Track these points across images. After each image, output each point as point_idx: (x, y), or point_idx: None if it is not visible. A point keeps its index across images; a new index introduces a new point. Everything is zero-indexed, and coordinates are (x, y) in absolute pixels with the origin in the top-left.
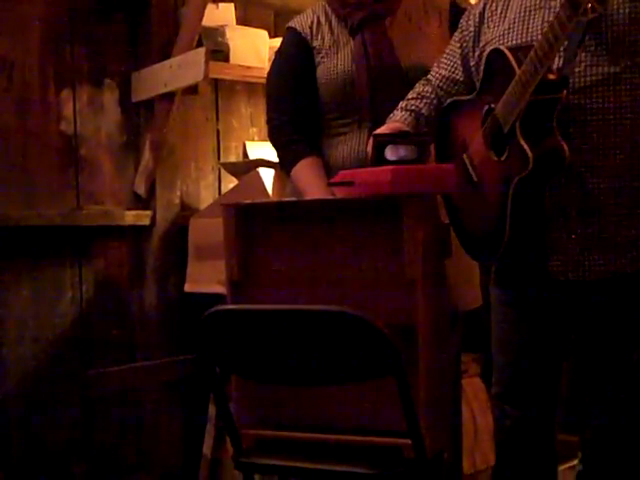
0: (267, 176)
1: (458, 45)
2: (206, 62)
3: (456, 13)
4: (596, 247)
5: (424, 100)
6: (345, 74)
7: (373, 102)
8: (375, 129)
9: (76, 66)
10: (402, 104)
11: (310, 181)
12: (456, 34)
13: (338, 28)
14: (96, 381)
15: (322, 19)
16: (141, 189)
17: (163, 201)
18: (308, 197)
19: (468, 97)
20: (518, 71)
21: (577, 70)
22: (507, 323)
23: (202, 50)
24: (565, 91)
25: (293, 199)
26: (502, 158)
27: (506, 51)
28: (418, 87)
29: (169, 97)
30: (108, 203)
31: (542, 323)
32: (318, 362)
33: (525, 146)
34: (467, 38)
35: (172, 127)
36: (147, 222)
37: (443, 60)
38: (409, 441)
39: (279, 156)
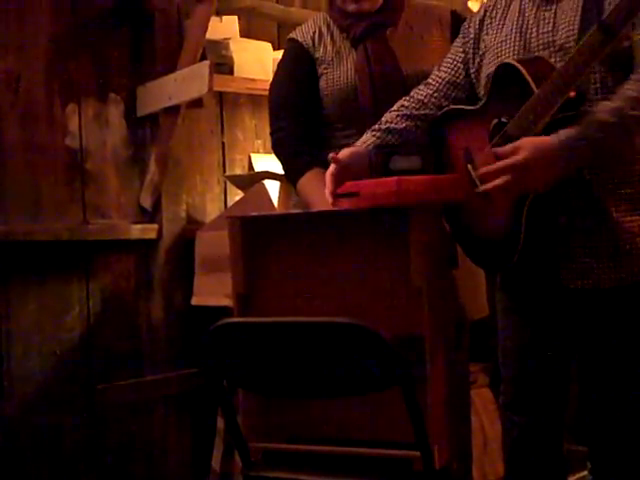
0: (273, 188)
1: (461, 50)
2: (210, 75)
3: (457, 22)
4: (606, 255)
5: (401, 112)
6: (348, 85)
7: (376, 112)
8: None
9: (81, 81)
10: (375, 125)
11: (317, 193)
12: (458, 39)
13: (340, 39)
14: (104, 395)
15: (324, 30)
16: (147, 203)
17: (169, 214)
18: (315, 209)
19: (471, 107)
20: (537, 91)
21: (592, 84)
22: (512, 330)
23: (206, 63)
24: (582, 107)
25: (299, 211)
26: None
27: (521, 68)
28: (411, 94)
29: (174, 110)
30: (114, 217)
31: (547, 330)
32: (325, 374)
33: None
34: (468, 44)
35: (177, 140)
36: (153, 236)
37: (445, 64)
38: (418, 453)
39: (284, 168)
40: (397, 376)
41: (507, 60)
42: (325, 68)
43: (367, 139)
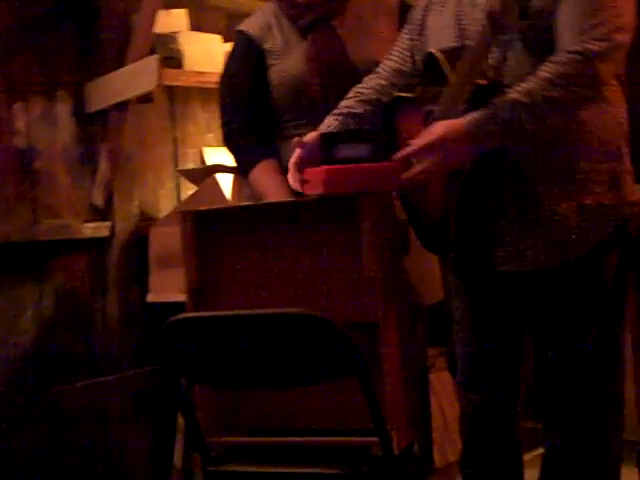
0: (225, 182)
1: (407, 37)
2: (159, 69)
3: (405, 12)
4: (535, 238)
5: (359, 98)
6: (297, 76)
7: (326, 102)
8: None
9: (27, 78)
10: (335, 109)
11: (267, 184)
12: (405, 26)
13: (289, 29)
14: (61, 398)
15: (272, 21)
16: (99, 200)
17: (122, 212)
18: (267, 200)
19: (411, 95)
20: (451, 77)
21: (506, 68)
22: (463, 310)
23: (155, 57)
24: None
25: (250, 203)
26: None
27: (439, 55)
28: (362, 82)
29: (123, 106)
30: (66, 216)
31: (494, 310)
32: (281, 365)
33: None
34: (414, 31)
35: (128, 136)
36: (106, 234)
37: (393, 52)
38: (377, 439)
39: (236, 161)
40: (352, 364)
41: (431, 49)
42: (274, 59)
43: (330, 123)
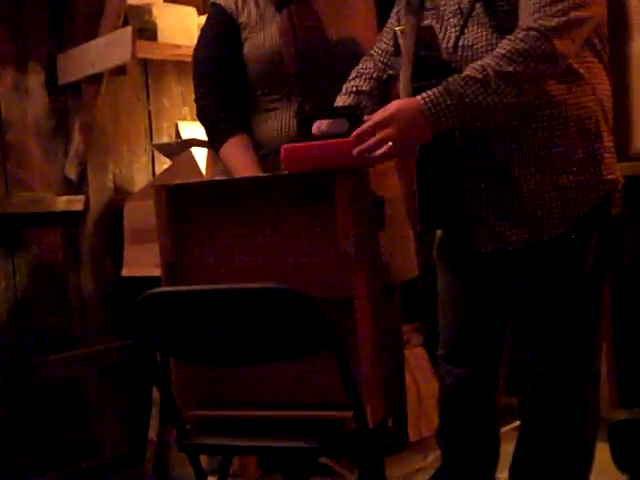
0: (200, 156)
1: (395, 18)
2: (133, 42)
3: None
4: (511, 217)
5: (363, 77)
6: (272, 49)
7: (302, 76)
8: (304, 103)
9: None
10: (344, 88)
11: (239, 159)
12: (394, 8)
13: (264, 3)
14: (36, 370)
15: None
16: (72, 174)
17: (96, 185)
18: (236, 175)
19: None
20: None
21: (463, 46)
22: (447, 286)
23: (128, 29)
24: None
25: (224, 178)
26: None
27: (398, 33)
28: (360, 64)
29: (97, 78)
30: (38, 189)
31: (477, 289)
32: (255, 340)
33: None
34: (400, 11)
35: (101, 109)
36: (80, 207)
37: (383, 34)
38: (351, 413)
39: (208, 135)
40: (326, 339)
41: (394, 28)
42: (249, 33)
43: (343, 101)
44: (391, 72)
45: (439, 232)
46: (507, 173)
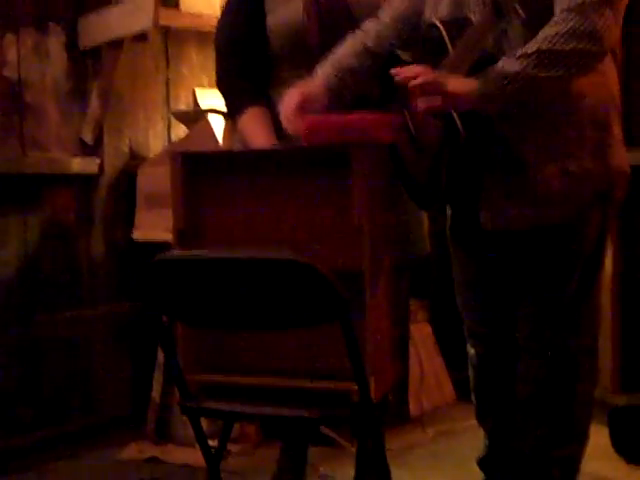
0: (218, 125)
1: None
2: (155, 9)
3: None
4: (520, 198)
5: (358, 48)
6: (295, 22)
7: (324, 50)
8: None
9: (19, 10)
10: (333, 61)
11: (255, 130)
12: None
13: None
14: (44, 326)
15: None
16: (88, 137)
17: (111, 149)
18: (252, 146)
19: (408, 59)
20: (451, 52)
21: (506, 41)
22: (459, 265)
23: None
24: None
25: (240, 148)
26: (438, 124)
27: (441, 28)
28: (363, 27)
29: (117, 44)
30: (54, 150)
31: (485, 267)
32: (264, 308)
33: (457, 120)
34: None
35: (120, 74)
36: (95, 170)
37: (395, 2)
38: (355, 385)
39: (226, 104)
40: (335, 310)
41: (433, 20)
42: (273, 5)
43: (330, 80)
44: (398, 53)
45: (449, 212)
46: (518, 157)
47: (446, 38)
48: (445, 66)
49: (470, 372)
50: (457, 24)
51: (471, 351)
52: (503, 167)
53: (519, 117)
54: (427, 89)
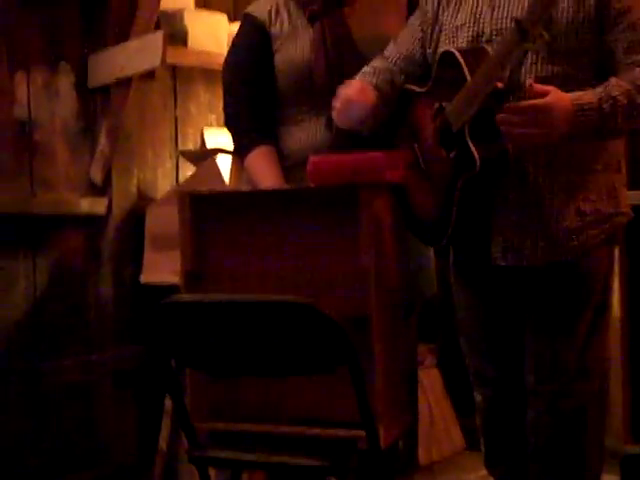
0: (225, 164)
1: (418, 28)
2: (164, 47)
3: (413, 2)
4: (534, 234)
5: (380, 76)
6: (303, 63)
7: (331, 91)
8: (332, 118)
9: (30, 48)
10: (360, 75)
11: (263, 170)
12: (416, 15)
13: (296, 15)
14: (49, 373)
15: (281, 5)
16: (97, 176)
17: (119, 189)
18: (259, 186)
19: (421, 89)
20: (469, 79)
21: (525, 69)
22: (465, 306)
23: (160, 34)
24: (511, 97)
25: (248, 188)
26: (451, 155)
27: (459, 56)
28: (372, 64)
29: (126, 82)
30: (63, 190)
31: (496, 304)
32: (272, 353)
33: (473, 149)
34: (426, 23)
35: (129, 113)
36: (103, 210)
37: (402, 38)
38: (363, 432)
39: (234, 143)
40: (343, 355)
41: (449, 48)
42: (280, 44)
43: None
44: (411, 86)
45: (451, 255)
46: (534, 190)
47: (464, 66)
48: (457, 100)
49: (478, 419)
50: (475, 53)
51: (478, 397)
52: (517, 200)
53: (540, 155)
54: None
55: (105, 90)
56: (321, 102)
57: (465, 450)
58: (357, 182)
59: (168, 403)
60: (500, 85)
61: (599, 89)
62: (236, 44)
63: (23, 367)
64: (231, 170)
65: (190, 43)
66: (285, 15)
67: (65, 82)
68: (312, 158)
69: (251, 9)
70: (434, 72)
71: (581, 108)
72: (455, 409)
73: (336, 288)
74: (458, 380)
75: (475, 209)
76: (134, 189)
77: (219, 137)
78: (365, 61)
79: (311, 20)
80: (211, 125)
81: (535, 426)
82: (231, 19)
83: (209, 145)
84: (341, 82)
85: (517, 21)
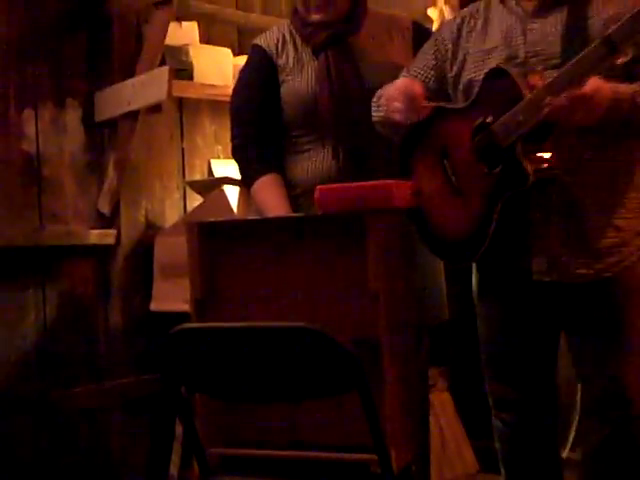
0: (232, 194)
1: (432, 56)
2: (169, 81)
3: (418, 32)
4: (576, 251)
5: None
6: (308, 94)
7: (336, 122)
8: (338, 148)
9: (38, 85)
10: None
11: (270, 198)
12: (429, 46)
13: (302, 47)
14: (61, 402)
15: (287, 37)
16: (105, 208)
17: (128, 220)
18: (267, 214)
19: (457, 106)
20: (529, 95)
21: None
22: (491, 325)
23: (165, 69)
24: None
25: (256, 217)
26: (494, 171)
27: (512, 73)
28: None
29: (133, 116)
30: (71, 223)
31: (528, 324)
32: (283, 379)
33: (526, 164)
34: (443, 51)
35: (136, 146)
36: (112, 241)
37: (415, 67)
38: (376, 456)
39: (241, 173)
40: (353, 380)
41: (501, 65)
42: (286, 76)
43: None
44: (443, 104)
45: (476, 274)
46: (576, 203)
47: (518, 81)
48: (511, 115)
49: (499, 445)
50: (519, 68)
51: (499, 424)
52: (560, 213)
53: (585, 171)
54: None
55: (112, 124)
56: (327, 132)
57: (478, 472)
58: (364, 209)
59: (179, 429)
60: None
61: (635, 85)
62: (244, 75)
63: (33, 396)
64: (239, 200)
65: (196, 77)
66: (291, 46)
67: (72, 117)
68: (320, 187)
69: (259, 40)
70: (476, 91)
71: (616, 97)
72: (467, 432)
73: (346, 313)
74: (470, 403)
75: (512, 225)
76: (142, 219)
77: (226, 168)
78: (370, 91)
79: (315, 52)
80: (218, 156)
81: (588, 443)
82: (235, 53)
83: (216, 176)
84: (346, 112)
85: (607, 36)
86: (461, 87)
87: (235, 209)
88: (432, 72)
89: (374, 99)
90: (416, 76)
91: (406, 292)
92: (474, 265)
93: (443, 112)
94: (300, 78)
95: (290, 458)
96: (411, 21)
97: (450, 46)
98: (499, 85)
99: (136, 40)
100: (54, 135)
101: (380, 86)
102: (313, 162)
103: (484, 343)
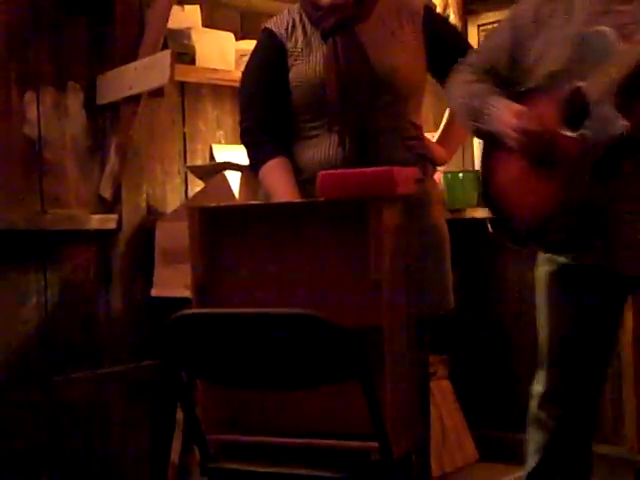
0: (234, 179)
1: (508, 34)
2: (171, 65)
3: (429, 16)
4: None
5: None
6: (316, 78)
7: (343, 107)
8: (344, 133)
9: (40, 69)
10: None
11: (277, 181)
12: (504, 26)
13: (311, 31)
14: (62, 387)
15: (297, 21)
16: (107, 193)
17: (129, 205)
18: (274, 198)
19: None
20: (623, 46)
21: None
22: (562, 321)
23: (167, 53)
24: None
25: (258, 202)
26: (584, 133)
27: (610, 32)
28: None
29: (134, 100)
30: (73, 207)
31: (602, 320)
32: (284, 365)
33: (620, 116)
34: (520, 32)
35: (138, 130)
36: (113, 226)
37: (490, 44)
38: (376, 444)
39: (249, 156)
40: (354, 367)
41: (599, 28)
42: (295, 60)
43: None
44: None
45: (547, 268)
46: None
47: (613, 41)
48: (610, 66)
49: (537, 436)
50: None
51: (543, 414)
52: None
53: None
54: None
55: (114, 107)
56: (334, 118)
57: (478, 461)
58: (367, 195)
59: (180, 416)
60: None
61: None
62: (253, 58)
63: (34, 381)
64: (240, 185)
65: (198, 61)
66: (300, 30)
67: (74, 101)
68: (322, 173)
69: (270, 23)
70: (563, 61)
71: None
72: (467, 420)
73: (348, 299)
74: (470, 392)
75: (600, 214)
76: (143, 204)
77: (227, 153)
78: (378, 76)
79: (324, 37)
80: (219, 141)
81: None
82: (238, 37)
83: (218, 161)
84: (353, 99)
85: None
86: (544, 63)
87: (237, 194)
88: (505, 55)
89: (474, 103)
90: (486, 59)
91: (408, 279)
92: (541, 254)
93: (520, 93)
94: (308, 63)
95: (290, 445)
96: (423, 5)
97: (529, 28)
98: (592, 47)
99: (138, 24)
100: (56, 119)
101: (388, 72)
102: (319, 148)
103: (550, 333)
